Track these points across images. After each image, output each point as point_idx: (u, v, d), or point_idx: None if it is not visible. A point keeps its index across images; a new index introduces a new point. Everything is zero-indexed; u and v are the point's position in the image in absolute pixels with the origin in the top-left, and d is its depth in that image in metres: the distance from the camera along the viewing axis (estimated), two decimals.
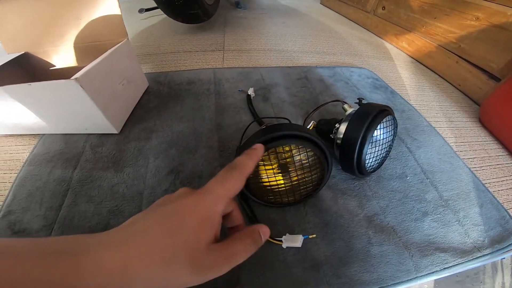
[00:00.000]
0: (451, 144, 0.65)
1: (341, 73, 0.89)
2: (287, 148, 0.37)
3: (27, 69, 0.64)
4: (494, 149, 0.67)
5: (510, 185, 0.58)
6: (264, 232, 0.26)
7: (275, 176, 0.40)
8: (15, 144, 0.55)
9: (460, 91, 0.91)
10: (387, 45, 1.26)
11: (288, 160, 0.38)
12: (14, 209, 0.42)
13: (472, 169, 0.58)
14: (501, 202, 0.52)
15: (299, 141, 0.35)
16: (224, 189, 0.24)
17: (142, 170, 0.50)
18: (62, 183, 0.46)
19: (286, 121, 0.55)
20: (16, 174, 0.48)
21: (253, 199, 0.42)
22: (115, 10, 0.61)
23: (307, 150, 0.37)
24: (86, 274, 0.17)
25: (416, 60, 1.11)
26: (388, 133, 0.46)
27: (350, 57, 1.08)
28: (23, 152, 0.53)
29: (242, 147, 0.36)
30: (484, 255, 0.43)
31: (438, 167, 0.57)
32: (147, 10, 1.42)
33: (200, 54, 1.01)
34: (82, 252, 0.18)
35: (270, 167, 0.38)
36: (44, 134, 0.56)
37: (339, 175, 0.53)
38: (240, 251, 0.23)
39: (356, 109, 0.46)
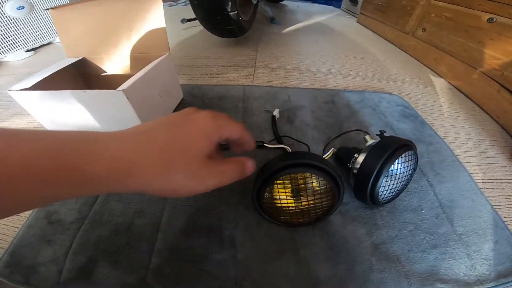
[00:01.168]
0: (477, 180, 0.69)
1: (370, 99, 0.95)
2: (301, 175, 0.42)
3: (82, 73, 0.78)
4: None
5: None
6: (249, 165, 0.31)
7: (286, 199, 0.44)
8: None
9: (498, 123, 0.92)
10: (425, 69, 1.29)
11: (301, 186, 0.43)
12: None
13: (495, 207, 0.62)
14: None
15: (313, 170, 0.41)
16: (223, 120, 0.29)
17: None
18: None
19: (305, 147, 0.64)
20: None
21: (266, 217, 0.48)
22: (161, 24, 0.72)
23: (320, 179, 0.42)
24: (97, 157, 0.20)
25: (455, 87, 1.13)
26: (407, 168, 0.49)
27: (382, 81, 1.13)
28: None
29: (262, 169, 0.43)
30: None
31: (457, 202, 0.62)
32: (189, 20, 1.59)
33: (233, 69, 1.13)
34: (94, 139, 0.21)
35: (283, 190, 0.43)
36: None
37: (352, 203, 0.59)
38: (228, 173, 0.28)
39: (377, 141, 0.52)
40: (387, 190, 0.52)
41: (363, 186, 0.49)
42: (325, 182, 0.43)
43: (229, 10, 1.09)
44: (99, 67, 0.78)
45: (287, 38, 1.54)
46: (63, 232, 0.44)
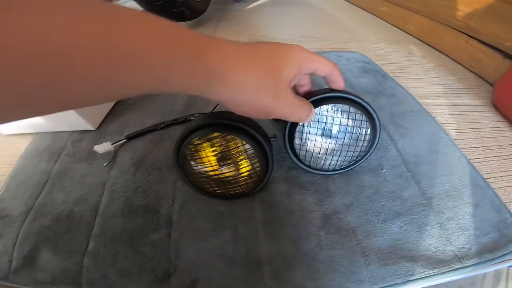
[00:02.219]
0: (450, 132, 0.55)
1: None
2: (216, 135, 0.35)
3: None
4: (508, 136, 0.56)
5: None
6: (312, 112, 0.31)
7: (211, 166, 0.38)
8: (17, 142, 0.60)
9: (473, 73, 0.79)
10: (393, 28, 1.15)
11: (222, 149, 0.37)
12: (5, 197, 0.46)
13: (473, 161, 0.49)
14: (506, 201, 0.42)
15: (227, 130, 0.34)
16: (314, 54, 0.28)
17: (110, 162, 0.52)
18: (43, 175, 0.49)
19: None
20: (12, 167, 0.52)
21: (195, 189, 0.42)
22: None
23: (238, 140, 0.35)
24: (218, 50, 0.22)
25: (425, 43, 0.99)
26: (351, 127, 0.38)
27: (345, 42, 0.99)
28: (22, 148, 0.58)
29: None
30: (465, 267, 0.34)
31: (425, 158, 0.48)
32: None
33: None
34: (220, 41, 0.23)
35: (205, 154, 0.37)
36: (38, 132, 0.61)
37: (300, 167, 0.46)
38: (300, 108, 0.29)
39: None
40: (320, 153, 0.40)
41: (285, 145, 0.39)
42: (243, 143, 0.36)
43: None
44: None
45: (250, 13, 1.39)
46: (11, 225, 0.42)
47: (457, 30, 0.84)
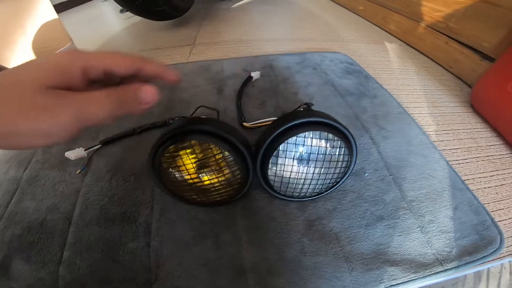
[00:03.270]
0: (429, 133, 0.56)
1: (311, 59, 0.81)
2: (194, 143, 0.33)
3: None
4: (485, 137, 0.58)
5: (502, 180, 0.49)
6: (144, 90, 0.20)
7: (190, 174, 0.36)
8: None
9: (452, 73, 0.81)
10: (375, 28, 1.17)
11: (200, 157, 0.35)
12: None
13: (452, 163, 0.50)
14: (484, 202, 0.44)
15: (206, 138, 0.32)
16: (91, 52, 0.21)
17: (83, 168, 0.50)
18: (13, 182, 0.48)
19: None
20: None
21: (174, 197, 0.40)
22: (52, 15, 0.63)
23: (216, 149, 0.33)
24: None
25: (406, 43, 1.01)
26: (328, 154, 0.35)
27: (329, 42, 1.00)
28: None
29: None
30: (446, 270, 0.35)
31: (406, 161, 0.49)
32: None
33: (168, 51, 0.96)
34: None
35: (190, 161, 0.35)
36: None
37: None
38: (95, 99, 0.19)
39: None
40: (289, 180, 0.37)
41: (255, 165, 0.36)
42: (222, 151, 0.34)
43: None
44: (8, 68, 0.67)
45: (235, 12, 1.38)
46: None
47: (438, 31, 0.86)
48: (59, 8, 0.63)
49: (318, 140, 0.34)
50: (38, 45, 0.65)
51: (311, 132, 0.33)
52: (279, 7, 1.45)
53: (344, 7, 1.45)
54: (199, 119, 0.36)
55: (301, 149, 0.35)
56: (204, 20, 1.26)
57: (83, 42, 1.06)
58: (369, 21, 1.24)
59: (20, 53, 0.65)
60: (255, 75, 0.69)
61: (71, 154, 0.48)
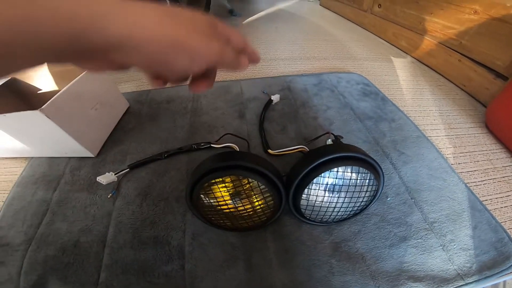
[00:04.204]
0: (447, 156, 0.60)
1: (328, 80, 0.86)
2: (234, 178, 0.37)
3: (18, 93, 0.68)
4: (501, 158, 0.61)
5: None
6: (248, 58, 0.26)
7: (226, 203, 0.40)
8: (9, 166, 0.61)
9: (466, 92, 0.85)
10: (386, 45, 1.22)
11: (238, 189, 0.39)
12: (2, 226, 0.48)
13: (470, 185, 0.53)
14: (501, 221, 0.48)
15: (243, 172, 0.36)
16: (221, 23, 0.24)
17: (114, 192, 0.53)
18: (43, 204, 0.50)
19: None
20: (7, 195, 0.54)
21: (207, 223, 0.43)
22: None
23: (252, 181, 0.37)
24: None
25: (418, 60, 1.06)
26: (353, 187, 0.39)
27: (342, 61, 1.05)
28: (16, 173, 0.59)
29: (197, 167, 0.38)
30: (467, 284, 0.39)
31: (426, 185, 0.52)
32: None
33: None
34: None
35: (220, 194, 0.38)
36: (32, 157, 0.62)
37: None
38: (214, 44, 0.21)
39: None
40: (320, 208, 0.41)
41: (287, 195, 0.40)
42: (258, 183, 0.37)
43: None
44: (31, 85, 0.69)
45: (246, 29, 1.44)
46: (13, 253, 0.44)
47: (450, 48, 0.90)
48: None
49: (349, 173, 0.38)
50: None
51: (344, 166, 0.37)
52: (289, 23, 1.51)
53: (353, 22, 1.51)
54: (234, 154, 0.41)
55: (332, 180, 0.39)
56: None
57: None
58: (379, 37, 1.29)
59: (44, 71, 0.67)
60: (275, 98, 0.74)
61: (103, 179, 0.52)
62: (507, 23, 0.70)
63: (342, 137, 0.51)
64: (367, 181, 0.39)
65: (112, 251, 0.43)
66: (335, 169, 0.37)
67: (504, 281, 0.43)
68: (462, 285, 0.39)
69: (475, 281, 0.39)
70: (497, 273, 0.40)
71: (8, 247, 0.45)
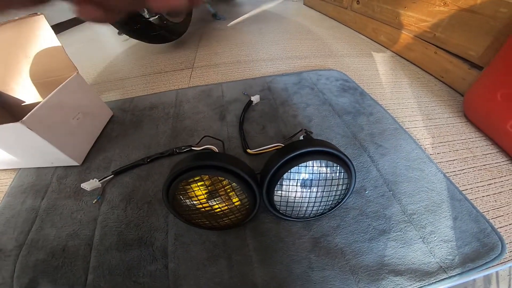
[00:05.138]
0: (426, 147, 0.60)
1: (308, 78, 0.86)
2: (206, 177, 0.37)
3: (3, 106, 0.69)
4: (480, 147, 0.61)
5: (499, 188, 0.52)
6: None
7: (201, 202, 0.40)
8: (0, 178, 0.62)
9: (444, 83, 0.85)
10: (367, 40, 1.22)
11: (210, 188, 0.39)
12: None
13: (449, 174, 0.53)
14: (483, 211, 0.47)
15: (216, 172, 0.36)
16: None
17: (99, 198, 0.54)
18: (32, 211, 0.52)
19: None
20: None
21: (187, 223, 0.43)
22: (55, 44, 0.63)
23: (224, 180, 0.38)
24: None
25: (397, 54, 1.06)
26: (323, 181, 0.39)
27: (323, 58, 1.05)
28: (5, 184, 0.60)
29: (173, 168, 0.38)
30: (451, 277, 0.38)
31: (404, 176, 0.52)
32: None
33: (169, 75, 1.01)
34: None
35: (193, 194, 0.39)
36: (20, 168, 0.62)
37: None
38: None
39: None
40: (294, 204, 0.41)
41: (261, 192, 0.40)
42: (229, 182, 0.38)
43: (147, 17, 0.97)
44: (15, 97, 0.70)
45: (230, 31, 1.44)
46: (5, 259, 0.45)
47: (426, 41, 0.91)
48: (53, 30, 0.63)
49: (319, 167, 0.38)
50: (42, 74, 0.66)
51: (312, 161, 0.37)
52: (272, 24, 1.52)
53: (336, 20, 1.52)
54: (207, 155, 0.40)
55: (303, 175, 0.38)
56: (201, 41, 1.32)
57: (85, 68, 1.11)
58: (360, 33, 1.30)
59: (26, 83, 0.67)
60: (255, 99, 0.74)
61: (87, 186, 0.52)
62: (476, 13, 0.71)
63: (312, 132, 0.50)
64: (337, 174, 0.38)
65: (98, 253, 0.44)
66: (304, 164, 0.36)
67: (497, 272, 0.42)
68: (445, 278, 0.38)
69: (458, 274, 0.38)
70: (481, 265, 0.39)
71: (0, 253, 0.46)
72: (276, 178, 0.37)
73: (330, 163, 0.37)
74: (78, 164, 0.61)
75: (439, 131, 0.65)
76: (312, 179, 0.38)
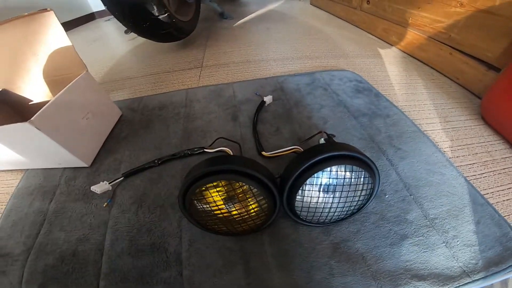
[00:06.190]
0: (445, 150, 0.59)
1: (321, 79, 0.85)
2: (225, 183, 0.37)
3: (11, 105, 0.68)
4: (499, 150, 0.60)
5: None
6: None
7: (219, 208, 0.39)
8: (6, 179, 0.62)
9: (459, 84, 0.84)
10: (377, 41, 1.21)
11: (230, 193, 0.38)
12: (1, 236, 0.49)
13: (470, 178, 0.52)
14: (505, 215, 0.46)
15: (236, 176, 0.35)
16: None
17: (109, 201, 0.53)
18: (39, 214, 0.51)
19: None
20: (5, 206, 0.54)
21: (203, 229, 0.42)
22: (65, 42, 0.62)
23: (244, 185, 0.36)
24: None
25: (409, 55, 1.05)
26: (348, 186, 0.38)
27: (334, 59, 1.04)
28: (12, 186, 0.59)
29: (189, 173, 0.37)
30: (474, 281, 0.38)
31: (425, 180, 0.51)
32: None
33: (178, 74, 1.01)
34: None
35: (212, 199, 0.38)
36: (28, 169, 0.62)
37: None
38: None
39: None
40: (316, 209, 0.40)
41: (281, 197, 0.39)
42: (250, 187, 0.37)
43: (157, 14, 0.96)
44: (22, 96, 0.69)
45: (237, 31, 1.43)
46: (13, 263, 0.44)
47: (441, 42, 0.90)
48: None
49: (343, 172, 0.37)
50: (51, 72, 0.66)
51: (337, 166, 0.36)
52: (279, 24, 1.51)
53: (344, 20, 1.51)
54: (225, 158, 0.39)
55: (325, 180, 0.37)
56: (209, 40, 1.32)
57: (92, 67, 1.10)
58: (369, 33, 1.29)
59: (34, 81, 0.66)
60: (268, 99, 0.73)
61: (97, 189, 0.51)
62: (494, 14, 0.70)
63: (334, 136, 0.50)
64: (362, 179, 0.38)
65: (110, 259, 0.43)
66: (328, 169, 0.36)
67: None
68: (468, 282, 0.37)
69: (482, 278, 0.38)
70: (505, 268, 0.38)
71: (8, 257, 0.45)
72: (298, 183, 0.36)
73: (356, 168, 0.36)
74: (87, 166, 0.60)
75: (457, 134, 0.64)
76: (336, 184, 0.37)
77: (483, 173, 0.55)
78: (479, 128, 0.66)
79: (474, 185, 0.51)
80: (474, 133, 0.65)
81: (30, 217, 0.51)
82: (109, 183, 0.53)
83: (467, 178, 0.52)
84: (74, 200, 0.53)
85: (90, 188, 0.52)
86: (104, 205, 0.51)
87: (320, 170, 0.35)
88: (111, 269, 0.42)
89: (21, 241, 0.47)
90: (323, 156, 0.35)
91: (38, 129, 0.47)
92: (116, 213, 0.50)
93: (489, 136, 0.64)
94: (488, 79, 0.74)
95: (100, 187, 0.52)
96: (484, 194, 0.50)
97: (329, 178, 0.37)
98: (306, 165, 0.35)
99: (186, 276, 0.40)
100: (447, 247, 0.41)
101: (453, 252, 0.41)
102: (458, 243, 0.42)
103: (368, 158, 0.37)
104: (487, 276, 0.38)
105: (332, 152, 0.36)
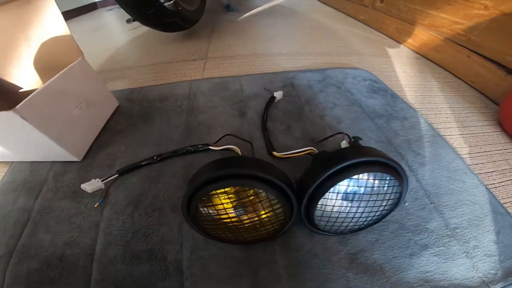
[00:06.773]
0: (464, 156, 0.57)
1: (333, 76, 0.82)
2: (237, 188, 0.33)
3: (0, 93, 0.63)
4: None
5: None
6: None
7: (228, 215, 0.35)
8: None
9: (475, 89, 0.82)
10: (389, 41, 1.19)
11: (242, 200, 0.34)
12: None
13: (489, 187, 0.50)
14: None
15: (249, 181, 0.32)
16: None
17: (102, 201, 0.49)
18: (24, 213, 0.47)
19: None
20: None
21: (207, 236, 0.39)
22: (62, 27, 0.59)
23: (260, 191, 0.33)
24: None
25: (423, 56, 1.03)
26: (374, 195, 0.35)
27: (346, 56, 1.02)
28: None
29: (196, 176, 0.33)
30: None
31: (446, 188, 0.49)
32: (134, 19, 1.43)
33: (180, 65, 0.97)
34: None
35: (221, 206, 0.34)
36: (13, 162, 0.58)
37: None
38: None
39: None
40: (336, 219, 0.37)
41: (299, 205, 0.36)
42: (268, 195, 0.33)
43: (162, 1, 0.93)
44: (12, 83, 0.66)
45: (243, 24, 1.40)
46: None
47: (459, 44, 0.87)
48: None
49: (372, 180, 0.34)
50: (44, 59, 0.62)
51: (366, 174, 0.33)
52: (287, 19, 1.48)
53: (352, 17, 1.49)
54: (238, 161, 0.35)
55: (351, 188, 0.34)
56: (214, 32, 1.29)
57: (90, 55, 1.06)
58: (380, 32, 1.27)
59: (25, 68, 0.63)
60: (278, 95, 0.70)
61: (88, 187, 0.48)
62: None
63: (361, 139, 0.46)
64: (390, 188, 0.35)
65: (101, 266, 0.40)
66: (356, 176, 0.32)
67: None
68: None
69: None
70: None
71: None
72: (321, 192, 0.33)
73: (386, 175, 0.33)
74: (78, 160, 0.56)
75: (475, 140, 0.62)
76: (363, 193, 0.34)
77: (501, 182, 0.53)
78: (496, 135, 0.64)
79: (493, 193, 0.49)
80: (492, 140, 0.62)
81: (14, 215, 0.47)
82: (101, 181, 0.49)
83: (487, 186, 0.50)
84: (62, 198, 0.49)
85: (80, 185, 0.49)
86: (95, 205, 0.47)
87: (347, 178, 0.32)
88: (103, 277, 0.38)
89: (3, 242, 0.44)
90: (351, 162, 0.32)
91: (23, 118, 0.43)
92: (109, 215, 0.46)
93: (507, 144, 0.62)
94: (507, 84, 0.72)
95: (91, 185, 0.48)
96: (504, 203, 0.48)
97: (355, 186, 0.34)
98: (331, 171, 0.32)
99: (187, 287, 0.37)
100: (467, 257, 0.40)
101: (473, 263, 0.39)
102: (478, 253, 0.40)
103: (398, 164, 0.34)
104: (505, 286, 0.37)
105: (360, 157, 0.32)
